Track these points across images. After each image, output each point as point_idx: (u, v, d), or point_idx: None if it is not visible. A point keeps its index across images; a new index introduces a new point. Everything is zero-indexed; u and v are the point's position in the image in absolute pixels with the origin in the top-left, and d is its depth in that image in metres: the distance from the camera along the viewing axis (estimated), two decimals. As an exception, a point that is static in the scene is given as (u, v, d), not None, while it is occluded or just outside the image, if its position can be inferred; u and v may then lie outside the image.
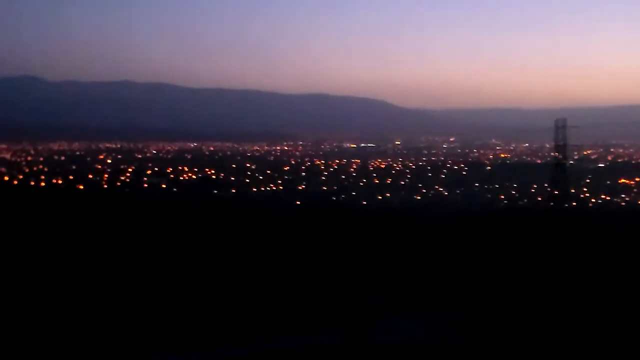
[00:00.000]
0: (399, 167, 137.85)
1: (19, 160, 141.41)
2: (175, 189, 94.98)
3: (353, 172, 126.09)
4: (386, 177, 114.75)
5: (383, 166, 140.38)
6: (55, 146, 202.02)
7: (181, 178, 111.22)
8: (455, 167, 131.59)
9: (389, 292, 13.15)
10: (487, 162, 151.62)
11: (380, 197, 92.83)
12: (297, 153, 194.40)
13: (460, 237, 22.09)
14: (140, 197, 50.45)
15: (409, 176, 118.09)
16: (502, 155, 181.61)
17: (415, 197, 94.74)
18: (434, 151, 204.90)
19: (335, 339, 9.68)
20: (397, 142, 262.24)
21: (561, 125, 49.33)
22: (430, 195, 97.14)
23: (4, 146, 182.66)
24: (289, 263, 15.30)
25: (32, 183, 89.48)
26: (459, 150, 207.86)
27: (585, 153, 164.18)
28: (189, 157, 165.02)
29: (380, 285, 13.53)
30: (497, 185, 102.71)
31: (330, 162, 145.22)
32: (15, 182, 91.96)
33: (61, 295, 10.89)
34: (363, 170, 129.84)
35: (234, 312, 10.95)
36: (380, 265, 15.63)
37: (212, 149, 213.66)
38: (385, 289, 13.28)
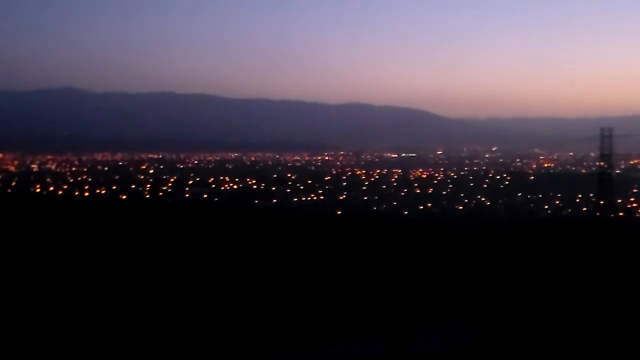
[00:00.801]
0: (440, 176, 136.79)
1: (63, 170, 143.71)
2: (216, 199, 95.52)
3: (394, 181, 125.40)
4: (427, 187, 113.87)
5: (424, 176, 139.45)
6: (99, 157, 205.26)
7: (222, 188, 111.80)
8: (498, 177, 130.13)
9: (430, 303, 12.88)
10: (530, 172, 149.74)
11: (421, 207, 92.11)
12: (338, 163, 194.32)
13: (503, 248, 21.67)
14: (182, 207, 50.74)
15: (450, 186, 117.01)
16: (546, 165, 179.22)
17: (457, 207, 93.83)
18: (476, 161, 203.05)
19: (375, 349, 9.50)
20: (438, 152, 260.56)
21: (607, 134, 48.33)
22: (472, 205, 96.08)
23: (49, 157, 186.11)
24: (329, 272, 15.11)
25: (77, 193, 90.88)
26: (501, 160, 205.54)
27: (632, 162, 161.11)
28: (230, 167, 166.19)
29: (421, 296, 13.27)
30: (540, 195, 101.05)
31: (371, 172, 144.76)
32: (60, 192, 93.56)
33: (109, 304, 10.88)
34: (404, 180, 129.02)
35: (274, 322, 10.80)
36: (421, 276, 15.34)
37: (253, 159, 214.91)
38: (426, 300, 13.02)
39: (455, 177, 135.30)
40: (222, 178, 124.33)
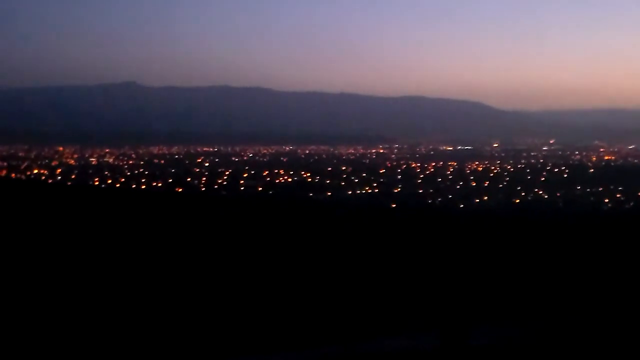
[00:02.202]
0: (496, 169, 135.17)
1: (120, 164, 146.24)
2: (270, 192, 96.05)
3: (449, 174, 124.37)
4: (483, 180, 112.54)
5: (480, 169, 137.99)
6: (155, 150, 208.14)
7: (277, 181, 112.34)
8: (556, 170, 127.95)
9: (487, 297, 12.61)
10: (590, 165, 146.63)
11: (477, 200, 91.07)
12: (393, 156, 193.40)
13: (563, 241, 21.14)
14: (237, 200, 51.13)
15: (507, 179, 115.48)
16: (606, 158, 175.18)
17: (513, 200, 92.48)
18: (534, 153, 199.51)
19: (431, 342, 9.33)
20: (494, 145, 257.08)
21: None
22: (529, 198, 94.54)
23: (107, 150, 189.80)
24: (384, 264, 14.95)
25: (133, 186, 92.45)
26: (560, 153, 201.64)
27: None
28: (284, 160, 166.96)
29: (478, 290, 13.00)
30: (600, 189, 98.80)
31: (426, 165, 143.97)
32: (117, 185, 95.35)
33: (171, 297, 10.96)
34: (460, 173, 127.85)
35: (330, 313, 10.72)
36: (477, 269, 15.06)
37: (307, 152, 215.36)
38: (483, 294, 12.75)
39: (511, 170, 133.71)
40: (276, 171, 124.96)
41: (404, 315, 11.02)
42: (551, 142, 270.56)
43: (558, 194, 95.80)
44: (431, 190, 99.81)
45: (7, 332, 8.70)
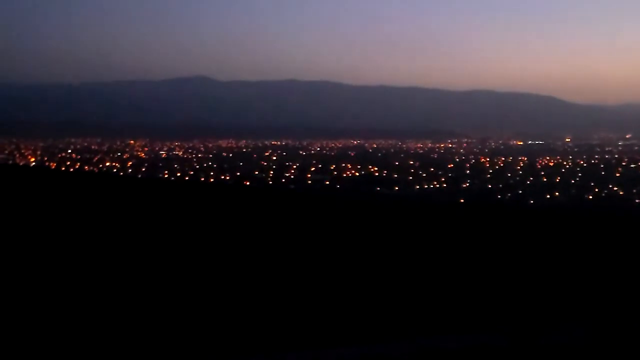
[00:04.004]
0: (569, 165, 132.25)
1: (190, 157, 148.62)
2: (337, 186, 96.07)
3: (519, 170, 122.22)
4: (555, 176, 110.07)
5: (552, 164, 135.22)
6: (223, 143, 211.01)
7: (344, 175, 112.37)
8: (632, 165, 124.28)
9: (557, 296, 12.24)
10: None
11: (548, 196, 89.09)
12: (462, 150, 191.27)
13: (634, 241, 20.38)
14: (304, 193, 51.34)
15: (580, 174, 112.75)
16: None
17: (586, 196, 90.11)
18: (608, 148, 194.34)
19: (499, 340, 9.10)
20: (567, 139, 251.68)
21: None
22: (603, 194, 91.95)
23: (177, 143, 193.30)
24: (451, 261, 14.69)
25: (202, 179, 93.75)
26: (637, 148, 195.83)
27: None
28: (352, 154, 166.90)
29: (548, 289, 12.64)
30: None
31: (495, 160, 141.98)
32: (187, 178, 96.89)
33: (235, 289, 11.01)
34: (530, 168, 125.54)
35: (395, 308, 10.59)
36: (547, 267, 14.66)
37: (375, 146, 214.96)
38: (553, 293, 12.38)
39: (584, 165, 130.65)
40: (343, 165, 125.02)
41: (471, 313, 10.78)
42: (628, 136, 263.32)
43: (634, 191, 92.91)
44: (500, 186, 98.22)
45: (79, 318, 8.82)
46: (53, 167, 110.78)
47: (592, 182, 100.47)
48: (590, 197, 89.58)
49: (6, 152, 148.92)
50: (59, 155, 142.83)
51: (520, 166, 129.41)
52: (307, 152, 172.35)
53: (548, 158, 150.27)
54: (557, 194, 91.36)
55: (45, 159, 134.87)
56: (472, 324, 10.08)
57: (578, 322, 10.56)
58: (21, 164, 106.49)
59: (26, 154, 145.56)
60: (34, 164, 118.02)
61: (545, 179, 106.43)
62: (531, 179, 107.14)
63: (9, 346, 7.73)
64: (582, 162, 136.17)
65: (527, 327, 9.26)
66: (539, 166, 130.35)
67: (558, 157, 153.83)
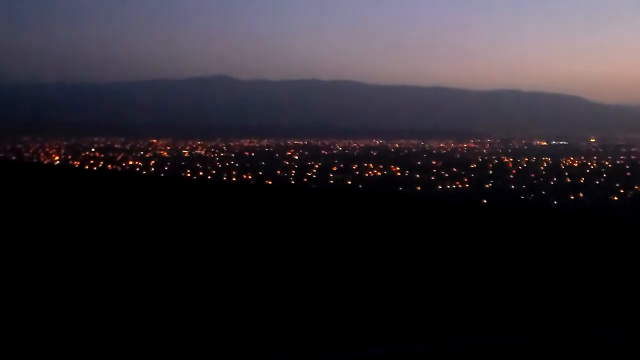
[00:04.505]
0: (593, 165, 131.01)
1: (212, 156, 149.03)
2: (360, 185, 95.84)
3: (543, 170, 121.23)
4: (580, 176, 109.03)
5: (576, 165, 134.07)
6: (246, 143, 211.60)
7: (366, 175, 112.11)
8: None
9: (585, 296, 11.97)
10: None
11: (572, 197, 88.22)
12: (485, 151, 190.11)
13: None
14: (326, 193, 51.17)
15: (605, 175, 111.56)
16: None
17: (612, 197, 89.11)
18: (634, 149, 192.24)
19: (514, 341, 8.95)
20: (592, 140, 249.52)
21: None
22: (629, 195, 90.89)
23: (199, 142, 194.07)
24: (473, 263, 14.42)
25: (224, 178, 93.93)
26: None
27: None
28: (374, 154, 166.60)
29: (571, 291, 12.36)
30: None
31: (519, 160, 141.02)
32: (209, 177, 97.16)
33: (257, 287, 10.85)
34: (554, 168, 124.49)
35: (425, 309, 10.41)
36: (571, 270, 14.35)
37: (397, 146, 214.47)
38: (575, 296, 12.10)
39: (610, 166, 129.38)
40: (365, 165, 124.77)
41: (494, 315, 10.55)
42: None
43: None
44: (524, 187, 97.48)
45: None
46: (77, 165, 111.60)
47: (617, 183, 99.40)
48: (615, 198, 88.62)
49: (31, 150, 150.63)
50: (83, 154, 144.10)
51: (544, 167, 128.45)
52: (329, 152, 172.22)
53: (572, 158, 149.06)
54: (581, 195, 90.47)
55: (70, 157, 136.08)
56: (493, 326, 9.87)
57: (605, 323, 10.32)
58: (45, 162, 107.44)
59: (50, 152, 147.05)
60: (57, 162, 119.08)
61: (569, 180, 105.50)
62: (555, 179, 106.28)
63: (10, 346, 7.61)
64: (607, 163, 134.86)
65: (545, 328, 9.10)
66: (563, 167, 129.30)
67: (582, 158, 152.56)
